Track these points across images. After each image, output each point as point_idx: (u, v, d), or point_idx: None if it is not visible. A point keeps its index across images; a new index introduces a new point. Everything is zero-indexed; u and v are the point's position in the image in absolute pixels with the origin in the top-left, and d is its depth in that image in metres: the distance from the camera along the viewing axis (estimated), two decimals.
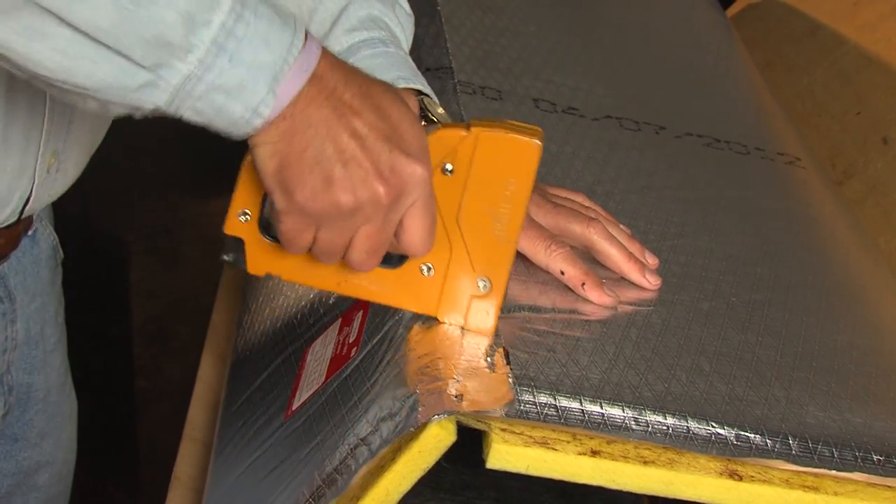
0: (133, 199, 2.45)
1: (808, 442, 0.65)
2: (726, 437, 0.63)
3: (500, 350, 0.62)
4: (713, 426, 0.63)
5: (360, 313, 0.74)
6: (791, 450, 0.64)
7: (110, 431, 1.88)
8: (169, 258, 2.32)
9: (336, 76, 0.57)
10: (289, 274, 0.67)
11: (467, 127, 0.62)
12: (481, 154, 0.62)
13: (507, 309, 0.66)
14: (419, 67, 0.88)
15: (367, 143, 0.57)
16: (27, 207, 0.74)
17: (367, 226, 0.59)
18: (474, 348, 0.62)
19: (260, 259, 0.66)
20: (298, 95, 0.55)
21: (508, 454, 0.59)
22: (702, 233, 0.81)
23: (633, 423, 0.62)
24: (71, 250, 0.91)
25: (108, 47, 0.51)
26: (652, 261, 0.75)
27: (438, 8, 0.98)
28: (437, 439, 0.60)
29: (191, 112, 0.55)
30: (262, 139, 0.57)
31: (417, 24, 0.95)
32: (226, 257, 0.67)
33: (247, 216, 0.65)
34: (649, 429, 0.62)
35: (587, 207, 0.75)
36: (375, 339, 0.68)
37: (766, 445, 0.64)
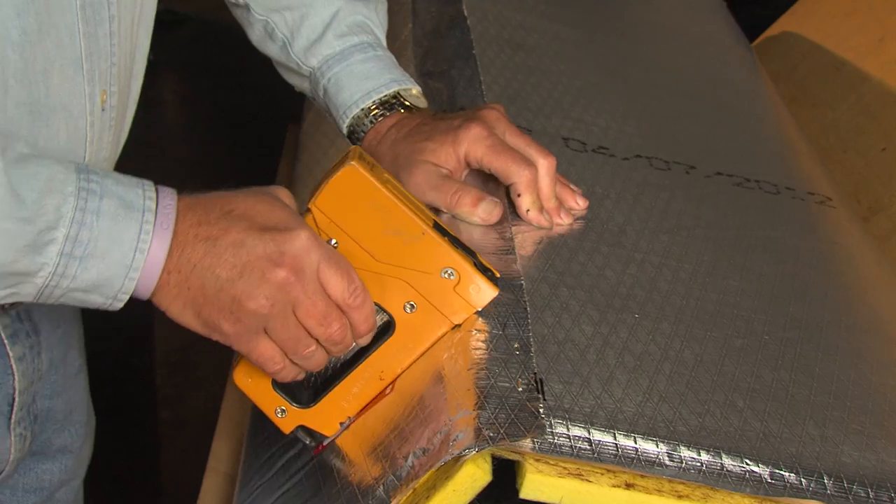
0: None
1: (843, 482, 0.64)
2: (760, 474, 0.63)
3: (533, 380, 0.63)
4: (747, 463, 0.63)
5: None
6: (826, 489, 0.64)
7: (133, 462, 1.88)
8: None
9: (196, 215, 0.61)
10: (352, 409, 0.70)
11: (307, 210, 0.66)
12: (331, 214, 0.66)
13: (541, 340, 0.66)
14: (454, 108, 0.90)
15: (248, 247, 0.60)
16: None
17: (297, 307, 0.62)
18: (507, 379, 0.62)
19: (324, 422, 0.71)
20: (170, 250, 0.59)
21: (542, 485, 0.59)
22: (733, 271, 0.82)
23: (666, 458, 0.62)
24: None
25: None
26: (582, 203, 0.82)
27: (474, 52, 0.99)
28: (472, 479, 0.60)
29: (58, 303, 0.59)
30: (163, 301, 0.61)
31: (452, 67, 0.97)
32: (308, 444, 0.72)
33: (283, 411, 0.70)
34: (683, 465, 0.62)
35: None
36: (409, 373, 0.69)
37: (801, 484, 0.64)
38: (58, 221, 0.56)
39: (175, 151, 2.90)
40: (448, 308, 0.67)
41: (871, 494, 0.64)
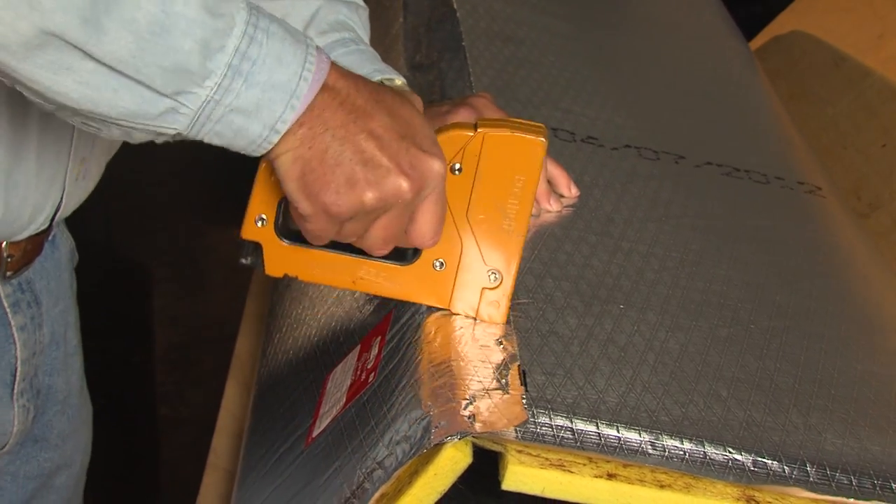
0: (156, 227, 2.48)
1: (826, 469, 0.64)
2: (743, 462, 0.63)
3: (516, 371, 0.63)
4: (730, 451, 0.63)
5: (379, 339, 0.74)
6: (809, 476, 0.64)
7: (132, 459, 1.89)
8: (192, 285, 2.33)
9: (347, 83, 0.60)
10: (306, 274, 0.69)
11: (474, 127, 0.65)
12: (488, 153, 0.64)
13: (525, 333, 0.67)
14: (443, 98, 0.90)
15: (384, 142, 0.59)
16: (57, 215, 0.77)
17: (385, 217, 0.62)
18: (489, 369, 0.62)
19: (277, 261, 0.69)
20: (313, 103, 0.58)
21: (524, 476, 0.59)
22: (720, 261, 0.82)
23: (649, 447, 0.62)
24: (94, 277, 0.92)
25: (130, 77, 0.54)
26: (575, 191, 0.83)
27: (463, 44, 0.99)
28: (452, 461, 0.60)
29: (211, 135, 0.57)
30: (282, 148, 0.59)
31: (441, 59, 0.97)
32: (244, 260, 0.70)
33: (263, 221, 0.68)
34: (666, 453, 0.62)
35: None
36: (392, 363, 0.69)
37: (784, 472, 0.64)
38: (231, 29, 0.54)
39: (168, 148, 2.91)
40: (461, 296, 0.67)
41: (854, 482, 0.64)
